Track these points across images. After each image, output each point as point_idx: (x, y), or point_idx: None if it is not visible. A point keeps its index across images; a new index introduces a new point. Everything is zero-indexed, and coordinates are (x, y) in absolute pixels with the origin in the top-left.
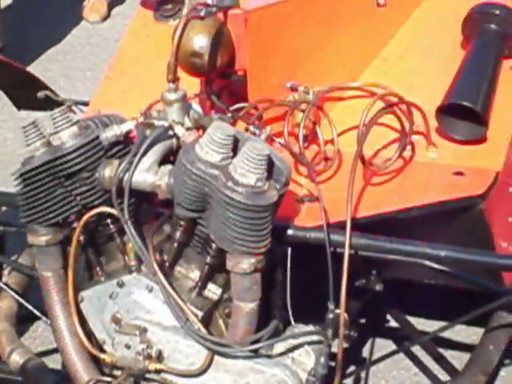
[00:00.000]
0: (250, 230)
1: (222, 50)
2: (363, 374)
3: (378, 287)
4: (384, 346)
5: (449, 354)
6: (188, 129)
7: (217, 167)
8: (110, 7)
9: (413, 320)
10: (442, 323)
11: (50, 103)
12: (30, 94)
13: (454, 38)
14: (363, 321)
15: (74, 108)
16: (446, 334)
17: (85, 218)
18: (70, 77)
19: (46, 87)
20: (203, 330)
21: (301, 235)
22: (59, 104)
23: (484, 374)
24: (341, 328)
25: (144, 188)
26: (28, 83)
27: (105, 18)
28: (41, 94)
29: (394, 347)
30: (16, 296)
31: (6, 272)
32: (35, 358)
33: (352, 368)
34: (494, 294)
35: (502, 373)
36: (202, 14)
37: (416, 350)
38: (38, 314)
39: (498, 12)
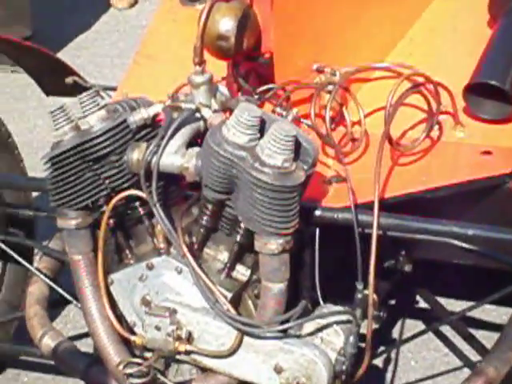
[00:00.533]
0: (277, 211)
1: (248, 32)
2: (393, 355)
3: (407, 268)
4: (414, 326)
5: (479, 334)
6: (215, 111)
7: (244, 148)
8: None
9: (442, 301)
10: (472, 303)
11: (78, 89)
12: (59, 80)
13: (480, 17)
14: (393, 301)
15: (101, 93)
16: (476, 315)
17: (114, 201)
18: (98, 63)
19: (74, 73)
20: (232, 311)
21: (329, 216)
22: (87, 89)
23: None
24: (369, 308)
25: (172, 170)
26: (56, 69)
27: (133, 5)
28: (69, 80)
29: (423, 328)
30: (47, 280)
31: (37, 257)
32: (67, 342)
33: (381, 348)
34: None
35: None
36: None
37: (446, 330)
38: (69, 298)
39: None
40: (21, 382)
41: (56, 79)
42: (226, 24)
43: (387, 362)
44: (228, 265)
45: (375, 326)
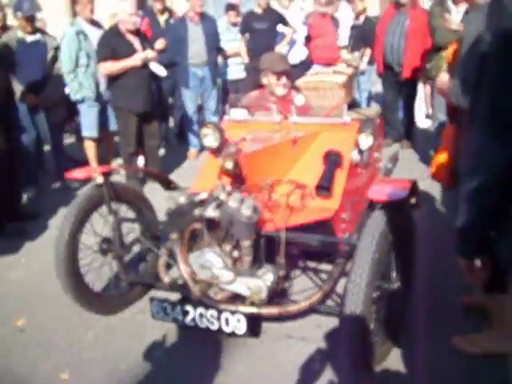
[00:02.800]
0: (248, 231)
1: (237, 168)
2: (290, 286)
3: (296, 252)
4: (300, 276)
5: (323, 276)
6: (226, 196)
7: (237, 209)
8: None
9: (311, 264)
10: (324, 265)
11: (176, 188)
12: (168, 185)
13: (322, 159)
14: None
15: (186, 190)
16: (323, 268)
17: (189, 228)
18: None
19: (173, 183)
20: (232, 267)
21: (265, 233)
22: (180, 188)
23: (334, 282)
24: (281, 269)
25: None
26: (167, 180)
27: (195, 157)
28: (173, 185)
29: (302, 275)
30: (167, 259)
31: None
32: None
33: (286, 284)
34: (336, 254)
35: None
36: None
37: (310, 275)
38: (172, 262)
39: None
40: (159, 294)
41: (167, 184)
42: (229, 164)
43: (289, 287)
44: (231, 250)
45: (282, 273)
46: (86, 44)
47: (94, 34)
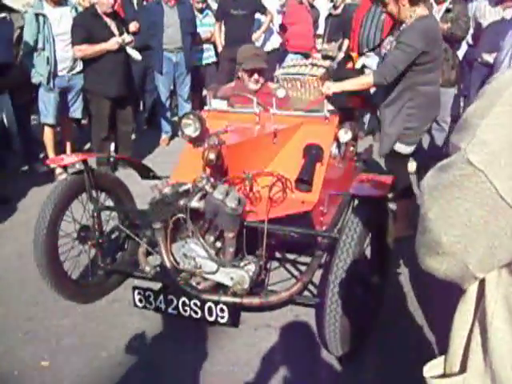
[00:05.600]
0: (233, 222)
1: (219, 160)
2: (267, 276)
3: (274, 242)
4: (276, 267)
5: (302, 268)
6: (211, 187)
7: (221, 201)
8: None
9: (289, 255)
10: (302, 257)
11: (154, 177)
12: (145, 173)
13: (302, 152)
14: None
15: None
16: (301, 260)
17: (174, 218)
18: (159, 170)
19: (151, 170)
20: (215, 257)
21: (247, 224)
22: (159, 178)
23: (312, 274)
24: (262, 258)
25: (194, 209)
26: (144, 168)
27: (167, 143)
28: (151, 173)
29: (279, 266)
30: (147, 247)
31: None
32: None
33: (263, 272)
34: (314, 246)
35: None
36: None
37: (288, 266)
38: (153, 251)
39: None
40: (137, 282)
41: (145, 171)
42: (212, 155)
43: (267, 277)
44: (215, 243)
45: (261, 263)
46: (46, 27)
47: (61, 14)
